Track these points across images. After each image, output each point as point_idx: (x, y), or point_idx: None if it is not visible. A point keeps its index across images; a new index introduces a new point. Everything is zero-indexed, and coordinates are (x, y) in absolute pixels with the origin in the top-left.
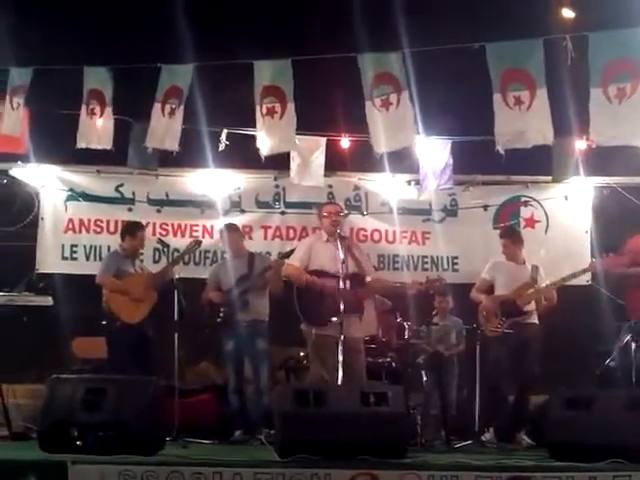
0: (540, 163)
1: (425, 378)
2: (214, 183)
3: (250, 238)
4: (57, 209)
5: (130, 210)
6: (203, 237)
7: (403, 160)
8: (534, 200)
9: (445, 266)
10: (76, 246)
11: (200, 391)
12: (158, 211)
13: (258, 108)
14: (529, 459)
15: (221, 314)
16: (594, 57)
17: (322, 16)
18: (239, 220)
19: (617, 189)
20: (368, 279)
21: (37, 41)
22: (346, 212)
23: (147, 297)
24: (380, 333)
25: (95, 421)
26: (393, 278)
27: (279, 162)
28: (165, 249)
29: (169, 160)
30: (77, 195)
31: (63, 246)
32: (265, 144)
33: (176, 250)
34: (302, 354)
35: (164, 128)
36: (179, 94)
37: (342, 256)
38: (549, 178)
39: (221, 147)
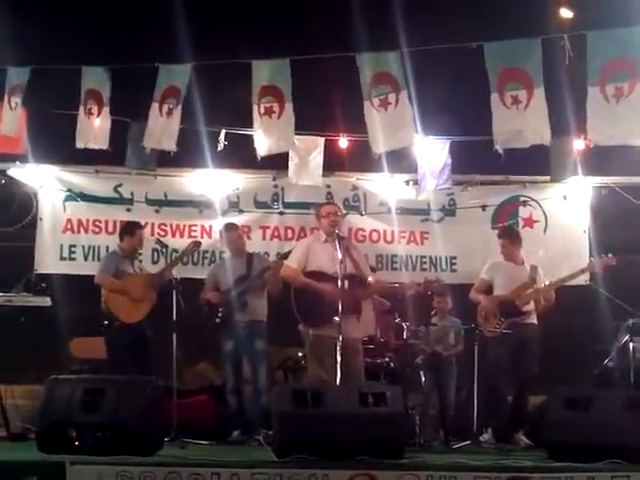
0: (538, 163)
1: (424, 378)
2: (212, 183)
3: (248, 238)
4: (55, 209)
5: (129, 210)
6: (202, 237)
7: (402, 160)
8: (532, 200)
9: (444, 266)
10: (75, 246)
11: (198, 391)
12: (157, 211)
13: (256, 108)
14: (527, 459)
15: (219, 314)
16: (592, 56)
17: (321, 16)
18: (237, 220)
19: (615, 189)
20: (367, 280)
21: (35, 41)
22: (344, 212)
23: (146, 297)
24: (379, 333)
25: (93, 422)
26: (392, 278)
27: (277, 162)
28: (164, 249)
29: (167, 160)
30: (75, 195)
31: (61, 246)
32: (263, 144)
33: (175, 250)
34: (300, 354)
35: (162, 128)
36: (177, 94)
37: (340, 256)
38: (547, 178)
39: (220, 147)
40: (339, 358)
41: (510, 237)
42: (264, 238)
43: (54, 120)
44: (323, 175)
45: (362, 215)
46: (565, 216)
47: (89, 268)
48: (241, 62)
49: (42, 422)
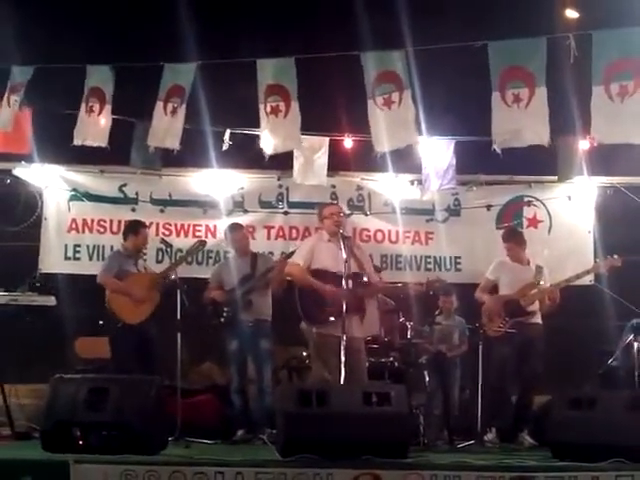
0: (543, 163)
1: (428, 378)
2: (217, 183)
3: (253, 238)
4: (60, 209)
5: (133, 210)
6: (206, 237)
7: (406, 160)
8: (537, 200)
9: (448, 266)
10: (79, 246)
11: (203, 391)
12: (161, 211)
13: (262, 107)
14: (532, 459)
15: (224, 314)
16: (597, 55)
17: (325, 15)
18: (242, 220)
19: (620, 189)
20: (370, 279)
21: (40, 40)
22: (349, 212)
23: (149, 297)
24: (383, 333)
25: (98, 421)
26: (396, 278)
27: (282, 162)
28: (168, 249)
29: (172, 160)
30: (80, 195)
31: (66, 246)
32: (269, 143)
33: (179, 250)
34: (305, 354)
35: (165, 127)
36: (181, 93)
37: (345, 256)
38: (552, 178)
39: (224, 147)
40: (343, 358)
41: (515, 239)
42: (269, 238)
43: (59, 120)
44: (328, 175)
45: (367, 215)
46: (570, 216)
47: (93, 268)
48: (246, 61)
49: (46, 421)
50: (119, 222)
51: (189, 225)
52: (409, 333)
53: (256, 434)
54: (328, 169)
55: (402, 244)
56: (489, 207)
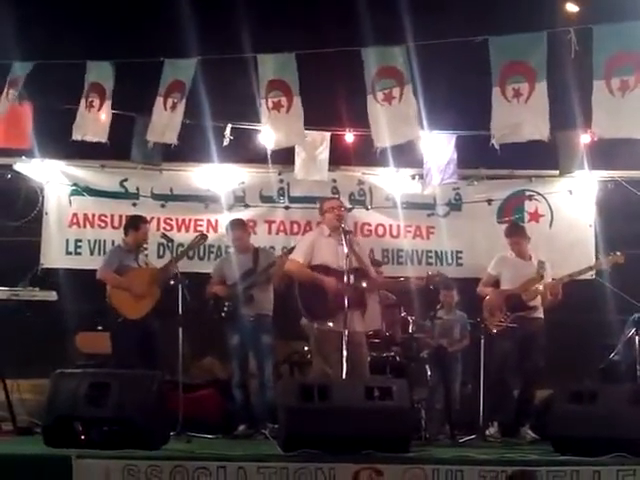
0: (544, 157)
1: (429, 373)
2: (218, 178)
3: (254, 233)
4: (61, 204)
5: (134, 205)
6: (207, 232)
7: (407, 154)
8: (538, 194)
9: (449, 260)
10: (80, 241)
11: (204, 386)
12: (162, 206)
13: (264, 102)
14: (533, 453)
15: (225, 309)
16: (598, 49)
17: (326, 10)
18: (243, 215)
19: (621, 183)
20: (370, 274)
21: (41, 35)
22: (350, 207)
23: (149, 292)
24: (384, 327)
25: (99, 416)
26: (397, 273)
27: (283, 157)
28: (169, 244)
29: (173, 155)
30: (81, 190)
31: (67, 241)
32: (272, 138)
33: (180, 245)
34: (306, 349)
35: (165, 122)
36: (181, 88)
37: (346, 250)
38: (553, 172)
39: (225, 142)
40: (344, 352)
41: (519, 233)
42: (270, 232)
43: (60, 115)
44: (329, 170)
45: (368, 209)
46: (571, 210)
47: (95, 263)
48: (247, 56)
49: (48, 416)
50: (120, 217)
51: (190, 220)
52: (410, 327)
53: (258, 429)
54: (329, 164)
55: (403, 239)
56: (490, 201)
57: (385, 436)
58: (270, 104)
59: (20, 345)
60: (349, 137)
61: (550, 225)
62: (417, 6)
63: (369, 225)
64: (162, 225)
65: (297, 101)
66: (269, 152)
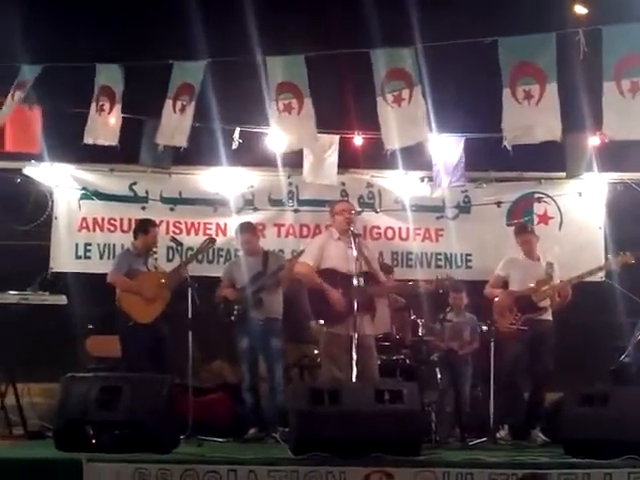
0: (553, 159)
1: (439, 375)
2: (227, 181)
3: (263, 236)
4: (71, 208)
5: (143, 209)
6: (216, 235)
7: (416, 157)
8: (547, 196)
9: (459, 263)
10: (90, 245)
11: (214, 389)
12: (171, 209)
13: (274, 104)
14: (544, 456)
15: (235, 312)
16: (607, 51)
17: (335, 12)
18: (252, 218)
19: (631, 185)
20: (379, 278)
21: (49, 39)
22: (359, 210)
23: (159, 296)
24: (394, 330)
25: (110, 419)
26: (407, 275)
27: (292, 160)
28: (178, 247)
29: (182, 158)
30: (91, 194)
31: (77, 245)
32: (284, 141)
33: (189, 248)
34: (316, 352)
35: (174, 125)
36: (190, 91)
37: (355, 254)
38: (562, 174)
39: (234, 145)
40: (354, 356)
41: (529, 232)
42: (279, 236)
43: (69, 119)
44: (338, 172)
45: (377, 212)
46: (580, 212)
47: (104, 266)
48: (256, 59)
49: (59, 420)
50: (129, 221)
51: (199, 223)
52: (420, 330)
53: (268, 432)
54: (338, 166)
55: (412, 241)
56: (499, 204)
57: (395, 439)
58: (281, 106)
59: (30, 349)
60: (358, 140)
61: (559, 227)
62: (426, 7)
63: (378, 228)
64: (171, 229)
65: (308, 103)
66: (279, 155)
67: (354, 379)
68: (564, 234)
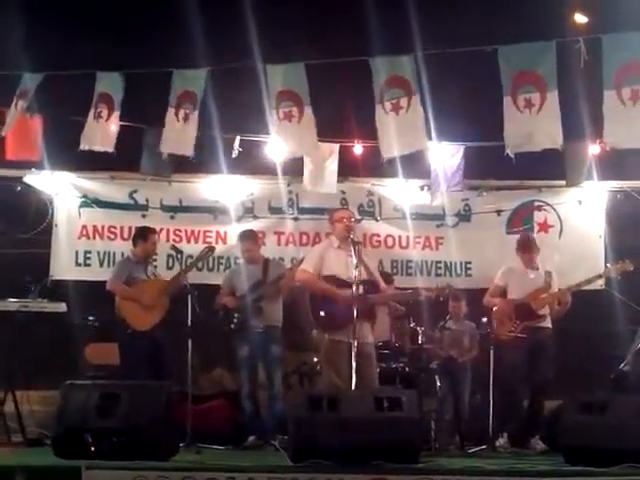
0: (553, 168)
1: (438, 383)
2: (227, 189)
3: (263, 244)
4: (71, 216)
5: (144, 216)
6: (216, 243)
7: (416, 165)
8: (547, 205)
9: (458, 271)
10: (90, 252)
11: (213, 397)
12: (172, 217)
13: (275, 112)
14: (543, 464)
15: (235, 320)
16: (607, 59)
17: (335, 20)
18: (252, 226)
19: (631, 193)
20: (380, 285)
21: (50, 47)
22: (359, 218)
23: (158, 304)
24: (393, 338)
25: (109, 427)
26: (406, 283)
27: (292, 168)
28: (179, 255)
29: (182, 166)
30: (91, 202)
31: (77, 252)
32: (285, 149)
33: (189, 256)
34: (316, 360)
35: (178, 133)
36: (193, 99)
37: (355, 261)
38: (562, 182)
39: (234, 154)
40: (354, 363)
41: (532, 249)
42: (279, 244)
43: (69, 127)
44: (338, 181)
45: (377, 220)
46: (580, 221)
47: (104, 274)
48: (256, 67)
49: (58, 427)
50: (129, 228)
51: (199, 231)
52: (420, 338)
53: (267, 440)
54: (338, 175)
55: (412, 249)
56: (499, 212)
57: (395, 447)
58: (281, 115)
59: (30, 356)
60: (358, 148)
61: (559, 236)
62: (426, 16)
63: (378, 236)
64: (171, 237)
65: (308, 111)
66: (278, 163)
67: (354, 387)
68: (564, 242)
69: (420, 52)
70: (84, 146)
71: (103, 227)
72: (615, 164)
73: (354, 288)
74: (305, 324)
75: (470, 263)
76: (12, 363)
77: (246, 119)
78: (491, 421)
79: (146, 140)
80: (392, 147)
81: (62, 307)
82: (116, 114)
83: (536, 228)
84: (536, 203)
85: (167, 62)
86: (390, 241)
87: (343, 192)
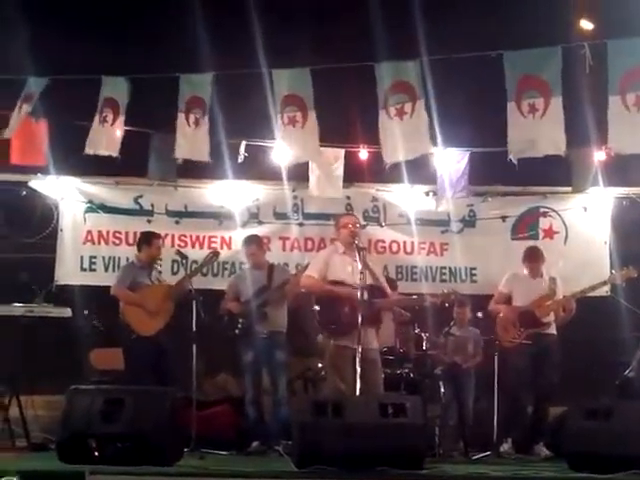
0: (559, 174)
1: (443, 389)
2: (232, 194)
3: (268, 249)
4: (76, 221)
5: (149, 222)
6: (221, 248)
7: (421, 171)
8: (553, 211)
9: (463, 277)
10: (95, 257)
11: (218, 402)
12: (177, 222)
13: (279, 117)
14: (548, 470)
15: (239, 325)
16: (613, 65)
17: (341, 25)
18: (257, 231)
19: (636, 200)
20: (386, 291)
21: (55, 52)
22: (364, 223)
23: (163, 309)
24: (398, 344)
25: (113, 432)
26: (411, 289)
27: (297, 174)
28: (184, 261)
29: (188, 171)
30: (96, 207)
31: (82, 257)
32: (288, 154)
33: (194, 262)
34: (320, 365)
35: (191, 139)
36: (201, 104)
37: (360, 267)
38: (568, 189)
39: (240, 159)
40: (358, 369)
41: (538, 259)
42: (284, 249)
43: (75, 132)
44: (343, 186)
45: (382, 226)
46: (585, 227)
47: (109, 279)
48: (261, 72)
49: (62, 432)
50: (135, 234)
51: (204, 237)
52: (424, 344)
53: (271, 445)
54: (343, 180)
55: (417, 255)
56: (504, 218)
57: (399, 453)
58: (286, 119)
59: (34, 361)
60: (363, 154)
61: (565, 242)
62: (431, 21)
63: (383, 242)
64: (176, 242)
65: (312, 116)
66: (283, 168)
67: (358, 392)
68: (569, 249)
69: (425, 57)
70: (89, 150)
71: (108, 232)
72: (621, 170)
73: (359, 293)
74: (310, 330)
75: (475, 269)
76: (17, 368)
77: (251, 124)
78: (495, 427)
79: (153, 145)
80: (395, 152)
81: (67, 312)
82: (121, 119)
83: (541, 234)
84: (541, 209)
85: (172, 67)
86: (395, 247)
87: (348, 197)
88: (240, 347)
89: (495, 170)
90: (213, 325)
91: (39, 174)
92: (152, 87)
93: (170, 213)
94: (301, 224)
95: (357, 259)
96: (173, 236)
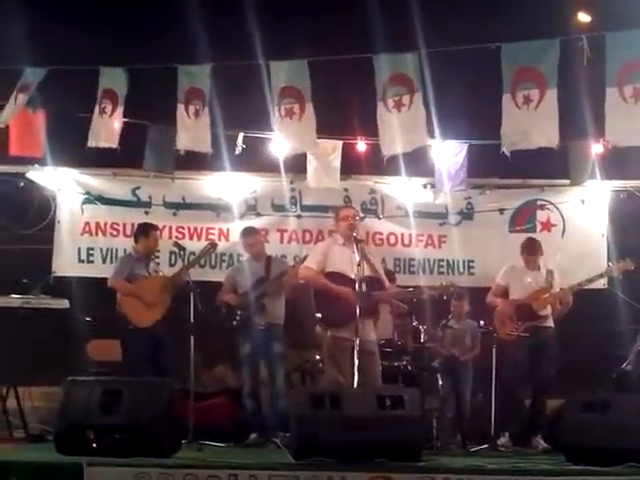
0: (556, 166)
1: (440, 382)
2: (230, 186)
3: (266, 241)
4: (74, 212)
5: (146, 213)
6: (219, 240)
7: (419, 163)
8: (550, 203)
9: (461, 269)
10: (92, 249)
11: (215, 394)
12: (174, 214)
13: (277, 109)
14: (545, 463)
15: (237, 317)
16: (610, 57)
17: (338, 17)
18: (255, 223)
19: (634, 193)
20: (384, 283)
21: (54, 42)
22: (362, 215)
23: (160, 300)
24: (396, 336)
25: (111, 423)
26: (409, 282)
27: (295, 165)
28: (181, 252)
29: (186, 163)
30: (93, 198)
31: (79, 249)
32: (285, 145)
33: (192, 253)
34: (318, 357)
35: (191, 130)
36: (201, 95)
37: (358, 259)
38: (565, 181)
39: (237, 151)
40: (356, 361)
41: (536, 252)
42: (282, 241)
43: (73, 123)
44: (341, 178)
45: (380, 218)
46: (583, 220)
47: (107, 271)
48: (259, 64)
49: (60, 424)
50: (132, 225)
51: (202, 228)
52: (422, 337)
53: (269, 437)
54: (341, 172)
55: (415, 247)
56: (502, 211)
57: (397, 445)
58: (283, 111)
59: (32, 353)
60: (361, 146)
61: (562, 235)
62: (429, 13)
63: (381, 234)
64: (174, 234)
65: (309, 108)
66: (281, 160)
67: (356, 384)
68: (567, 241)
69: (423, 50)
70: (91, 143)
71: (106, 224)
72: (618, 163)
73: (357, 285)
74: (307, 321)
75: (473, 261)
76: (14, 359)
77: (249, 116)
78: (493, 420)
79: (150, 136)
80: (393, 145)
81: (64, 303)
82: (120, 110)
83: (539, 227)
84: (539, 202)
85: (170, 58)
86: (393, 239)
87: (346, 190)
88: (238, 339)
89: (493, 163)
90: (211, 317)
91: (36, 165)
92: (150, 78)
93: (168, 205)
94: (299, 216)
95: (356, 251)
96: (170, 228)
